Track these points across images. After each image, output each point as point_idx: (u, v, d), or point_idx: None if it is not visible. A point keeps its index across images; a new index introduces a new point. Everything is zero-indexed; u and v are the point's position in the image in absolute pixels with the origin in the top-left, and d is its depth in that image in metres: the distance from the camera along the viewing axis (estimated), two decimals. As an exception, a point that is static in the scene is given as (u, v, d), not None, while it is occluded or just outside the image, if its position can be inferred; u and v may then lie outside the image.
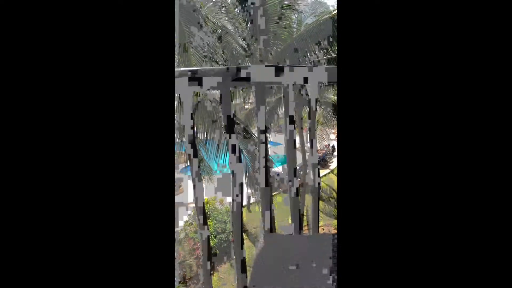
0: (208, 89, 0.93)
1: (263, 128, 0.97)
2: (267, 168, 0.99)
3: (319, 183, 1.15)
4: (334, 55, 6.63)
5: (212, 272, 7.32)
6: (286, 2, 6.79)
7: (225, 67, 1.45)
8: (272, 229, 1.03)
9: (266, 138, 0.98)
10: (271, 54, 7.09)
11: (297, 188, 1.11)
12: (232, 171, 0.92)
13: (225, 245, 7.53)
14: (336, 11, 6.60)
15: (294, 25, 8.17)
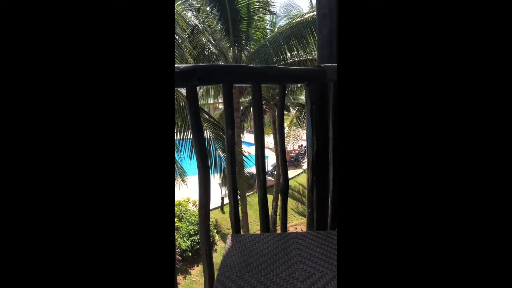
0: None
1: (230, 129, 0.96)
2: (233, 169, 0.99)
3: (287, 182, 1.17)
4: (306, 57, 6.78)
5: (184, 276, 7.16)
6: (258, 3, 6.83)
7: (192, 65, 1.43)
8: (239, 229, 1.03)
9: (233, 138, 0.97)
10: (244, 55, 7.10)
11: (266, 188, 1.12)
12: (199, 171, 0.90)
13: (198, 247, 7.40)
14: (308, 14, 6.76)
15: (268, 26, 8.25)
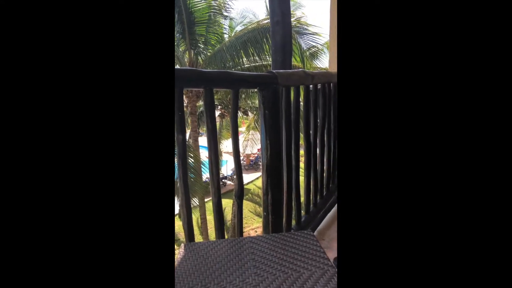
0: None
1: (181, 135, 0.93)
2: (185, 176, 0.96)
3: (242, 187, 1.16)
4: (262, 63, 6.91)
5: None
6: (215, 8, 6.81)
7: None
8: (193, 238, 0.99)
9: (184, 144, 0.94)
10: (200, 58, 7.00)
11: (220, 193, 1.10)
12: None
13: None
14: (265, 21, 6.91)
15: (225, 31, 8.25)
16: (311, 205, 1.69)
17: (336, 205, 2.01)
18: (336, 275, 0.74)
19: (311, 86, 1.59)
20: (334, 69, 2.04)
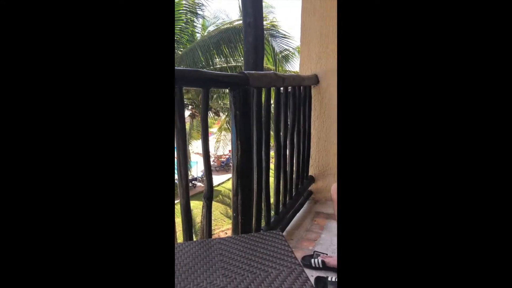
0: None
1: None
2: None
3: (211, 188, 1.15)
4: (235, 64, 6.90)
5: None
6: (187, 5, 6.68)
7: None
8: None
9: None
10: (172, 56, 6.81)
11: (188, 195, 1.08)
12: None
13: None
14: (238, 22, 6.91)
15: (197, 31, 8.12)
16: (281, 206, 1.71)
17: (304, 205, 2.06)
18: (303, 273, 0.75)
19: (282, 88, 1.62)
20: (304, 72, 2.09)
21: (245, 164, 1.24)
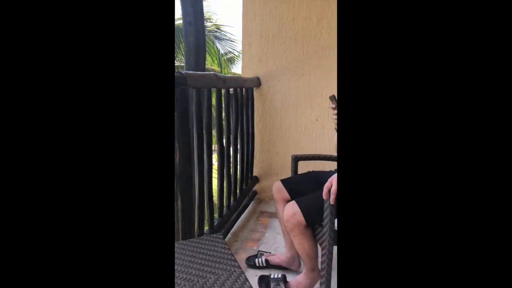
0: None
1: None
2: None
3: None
4: (178, 64, 6.66)
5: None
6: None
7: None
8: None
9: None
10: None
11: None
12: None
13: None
14: (179, 21, 6.68)
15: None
16: (225, 208, 1.70)
17: (249, 206, 2.08)
18: (242, 274, 0.75)
19: (223, 89, 1.60)
20: (246, 74, 2.12)
21: (185, 168, 1.20)
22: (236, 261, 0.80)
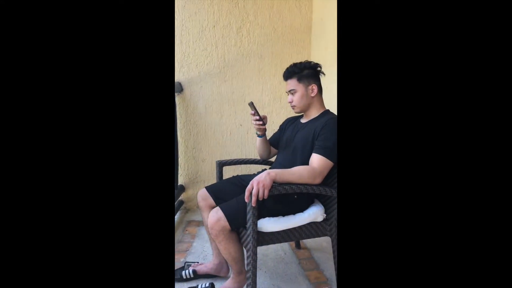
0: None
1: None
2: None
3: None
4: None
5: None
6: None
7: None
8: None
9: None
10: None
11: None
12: None
13: None
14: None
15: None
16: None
17: (175, 216, 1.98)
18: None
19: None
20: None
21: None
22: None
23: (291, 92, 1.19)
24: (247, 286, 1.03)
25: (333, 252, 1.18)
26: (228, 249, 1.04)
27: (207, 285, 1.16)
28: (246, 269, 1.02)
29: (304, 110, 1.22)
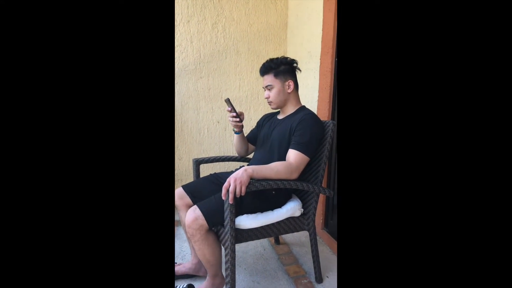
0: None
1: None
2: None
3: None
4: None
5: None
6: None
7: None
8: None
9: None
10: None
11: None
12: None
13: None
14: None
15: None
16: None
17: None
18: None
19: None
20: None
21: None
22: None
23: (268, 87, 1.19)
24: (225, 285, 1.02)
25: (311, 246, 1.20)
26: (202, 250, 1.02)
27: (184, 286, 1.14)
28: (225, 267, 1.01)
29: (281, 106, 1.22)
